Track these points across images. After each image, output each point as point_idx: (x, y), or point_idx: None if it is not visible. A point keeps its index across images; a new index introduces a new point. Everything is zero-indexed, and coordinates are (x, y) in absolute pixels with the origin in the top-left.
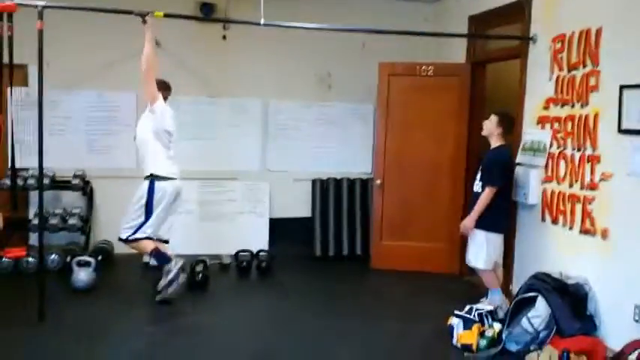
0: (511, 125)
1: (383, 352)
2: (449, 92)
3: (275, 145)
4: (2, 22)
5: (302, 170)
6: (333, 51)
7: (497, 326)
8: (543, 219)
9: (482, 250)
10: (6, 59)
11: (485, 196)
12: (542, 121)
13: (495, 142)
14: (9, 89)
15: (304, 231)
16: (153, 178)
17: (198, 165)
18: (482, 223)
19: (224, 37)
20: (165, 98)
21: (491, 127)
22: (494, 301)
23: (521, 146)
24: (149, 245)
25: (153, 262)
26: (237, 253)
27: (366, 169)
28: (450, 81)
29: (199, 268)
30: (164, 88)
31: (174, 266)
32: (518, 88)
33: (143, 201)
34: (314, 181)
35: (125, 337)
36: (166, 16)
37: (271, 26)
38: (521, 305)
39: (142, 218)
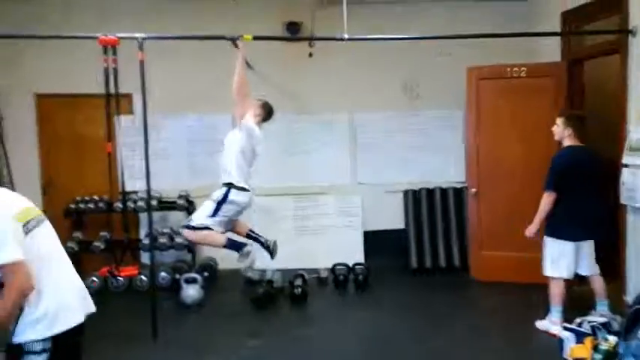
0: (580, 123)
1: None
2: (543, 94)
3: (364, 157)
4: (107, 55)
5: (393, 182)
6: (418, 59)
7: (612, 339)
8: None
9: (545, 257)
10: (112, 89)
11: (542, 201)
12: None
13: (566, 144)
14: (117, 118)
15: (399, 243)
16: (230, 187)
17: (291, 181)
18: (545, 229)
19: (310, 55)
20: (264, 120)
21: (559, 131)
22: (550, 318)
23: (626, 146)
24: (220, 238)
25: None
26: (333, 267)
27: (458, 177)
28: (545, 82)
29: (298, 282)
30: (267, 113)
31: (246, 250)
32: (620, 85)
33: (216, 202)
34: (406, 192)
35: (231, 351)
36: (255, 38)
37: (354, 40)
38: (638, 316)
39: (210, 213)
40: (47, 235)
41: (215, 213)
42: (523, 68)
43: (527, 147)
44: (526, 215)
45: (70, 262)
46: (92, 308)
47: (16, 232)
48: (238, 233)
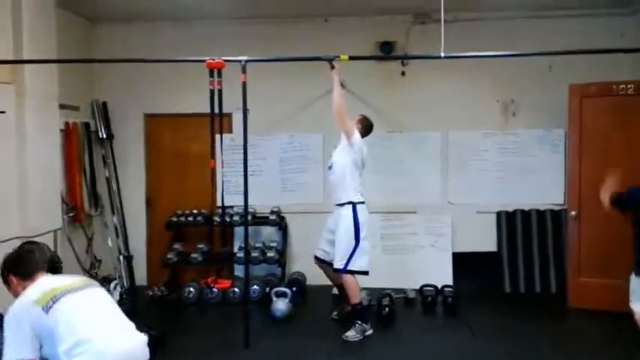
0: None
1: None
2: None
3: (456, 177)
4: (213, 77)
5: (485, 202)
6: (516, 76)
7: None
8: None
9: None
10: (216, 109)
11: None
12: None
13: None
14: (218, 136)
15: (490, 266)
16: (354, 205)
17: (380, 199)
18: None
19: (403, 73)
20: (363, 136)
21: None
22: None
23: None
24: (357, 294)
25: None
26: (421, 288)
27: (557, 199)
28: None
29: (386, 301)
30: (367, 127)
31: (367, 330)
32: None
33: (352, 226)
34: (499, 214)
35: None
36: (351, 58)
37: (452, 58)
38: None
39: (353, 242)
40: (85, 298)
41: (357, 239)
42: (630, 85)
43: (635, 169)
44: (628, 241)
45: (125, 322)
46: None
47: (32, 321)
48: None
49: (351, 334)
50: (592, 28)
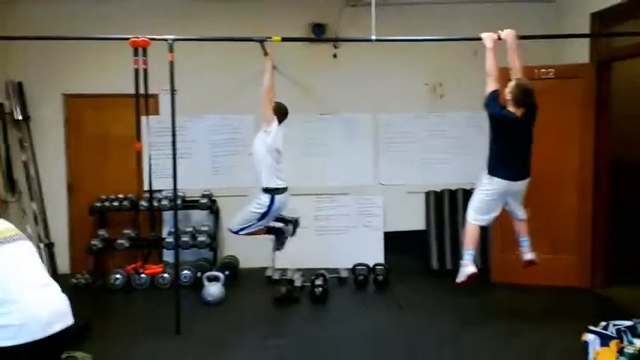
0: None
1: None
2: (571, 95)
3: (387, 158)
4: (137, 56)
5: (415, 183)
6: (444, 60)
7: (638, 343)
8: None
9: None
10: (141, 90)
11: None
12: None
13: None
14: (144, 118)
15: (419, 244)
16: (273, 194)
17: (312, 181)
18: None
19: (335, 56)
20: (280, 121)
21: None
22: None
23: None
24: (260, 231)
25: (276, 275)
26: (354, 267)
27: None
28: (573, 83)
29: (319, 281)
30: (282, 114)
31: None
32: None
33: (262, 211)
34: (428, 194)
35: (252, 349)
36: (284, 40)
37: (383, 41)
38: None
39: (255, 222)
40: (19, 252)
41: (260, 222)
42: (551, 70)
43: (555, 149)
44: (549, 218)
45: (51, 282)
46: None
47: None
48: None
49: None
50: (517, 14)
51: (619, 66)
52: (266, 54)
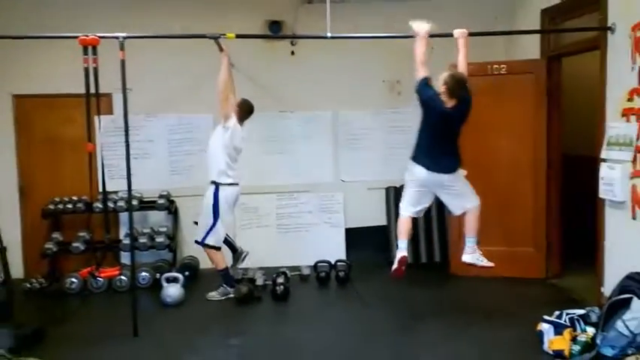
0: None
1: None
2: (524, 90)
3: (347, 155)
4: (87, 55)
5: (375, 179)
6: (401, 57)
7: (590, 330)
8: (634, 217)
9: None
10: (92, 89)
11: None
12: (626, 114)
13: None
14: (97, 117)
15: (381, 239)
16: (217, 185)
17: (273, 179)
18: None
19: (292, 53)
20: (243, 119)
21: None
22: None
23: (605, 141)
24: (221, 263)
25: (236, 275)
26: (316, 264)
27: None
28: (525, 78)
29: (280, 279)
30: (247, 111)
31: (231, 293)
32: (599, 81)
33: (211, 205)
34: (388, 189)
35: (212, 349)
36: (238, 37)
37: (338, 38)
38: (616, 307)
39: (211, 220)
40: None
41: (216, 218)
42: (503, 65)
43: (509, 143)
44: (506, 211)
45: None
46: None
47: None
48: None
49: (212, 294)
50: (470, 11)
51: (571, 61)
52: (221, 50)
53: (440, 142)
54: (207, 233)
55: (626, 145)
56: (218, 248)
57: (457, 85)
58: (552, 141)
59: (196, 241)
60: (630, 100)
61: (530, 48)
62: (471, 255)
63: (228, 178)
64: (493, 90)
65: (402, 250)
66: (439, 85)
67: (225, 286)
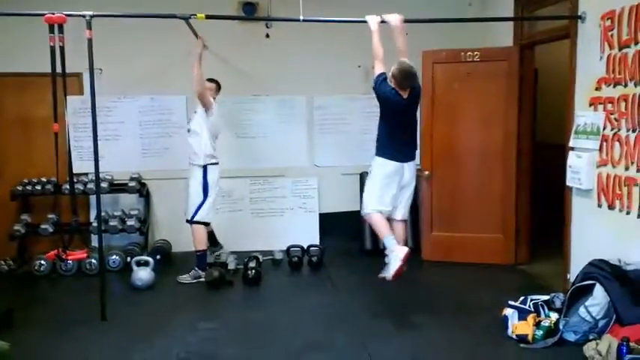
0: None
1: (436, 344)
2: (497, 77)
3: (322, 140)
4: (54, 34)
5: (349, 164)
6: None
7: (553, 316)
8: (599, 204)
9: None
10: (59, 69)
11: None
12: (594, 103)
13: None
14: (68, 98)
15: (354, 225)
16: (205, 167)
17: (247, 163)
18: None
19: (267, 36)
20: (214, 97)
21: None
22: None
23: (573, 129)
24: (203, 243)
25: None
26: (288, 249)
27: (415, 160)
28: (498, 66)
29: (252, 264)
30: (216, 89)
31: (203, 277)
32: (568, 70)
33: (200, 185)
34: (362, 175)
35: (181, 333)
36: (208, 17)
37: (310, 22)
38: (579, 294)
39: (201, 198)
40: None
41: (205, 196)
42: (477, 52)
43: (481, 130)
44: (476, 197)
45: None
46: None
47: None
48: None
49: (184, 277)
50: None
51: (547, 49)
52: (197, 36)
53: (400, 132)
54: (197, 211)
55: (593, 134)
56: (207, 224)
57: (405, 77)
58: (523, 128)
59: (187, 221)
60: (598, 89)
61: (505, 36)
62: (393, 270)
63: (213, 158)
64: (467, 77)
65: (402, 247)
66: (390, 79)
67: (197, 269)
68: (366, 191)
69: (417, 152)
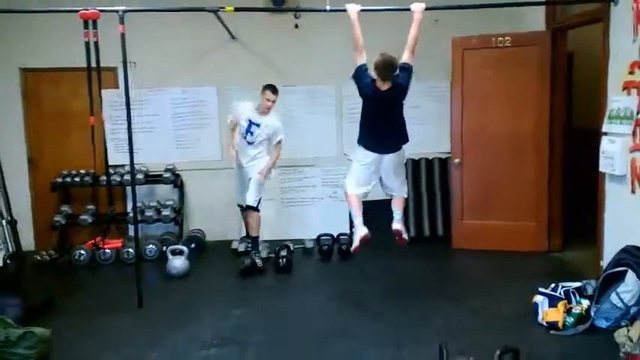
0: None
1: (466, 331)
2: (528, 63)
3: (351, 129)
4: (88, 29)
5: None
6: (404, 30)
7: (585, 303)
8: (633, 190)
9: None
10: (94, 64)
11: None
12: (627, 87)
13: None
14: (99, 91)
15: (383, 213)
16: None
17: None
18: None
19: (296, 26)
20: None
21: None
22: None
23: (606, 114)
24: (258, 227)
25: (241, 247)
26: (318, 238)
27: (444, 148)
28: (530, 51)
29: (283, 252)
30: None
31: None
32: (601, 54)
33: (263, 180)
34: None
35: (214, 320)
36: (237, 10)
37: (336, 12)
38: (611, 280)
39: (263, 188)
40: None
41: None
42: (508, 38)
43: (512, 116)
44: (508, 185)
45: None
46: None
47: None
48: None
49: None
50: None
51: (582, 33)
52: (230, 33)
53: (380, 124)
54: (260, 199)
55: (626, 119)
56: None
57: (387, 67)
58: (556, 114)
59: (250, 207)
60: (631, 73)
61: (537, 21)
62: (400, 223)
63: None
64: (497, 62)
65: (363, 228)
66: (372, 70)
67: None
68: (348, 175)
69: (409, 143)
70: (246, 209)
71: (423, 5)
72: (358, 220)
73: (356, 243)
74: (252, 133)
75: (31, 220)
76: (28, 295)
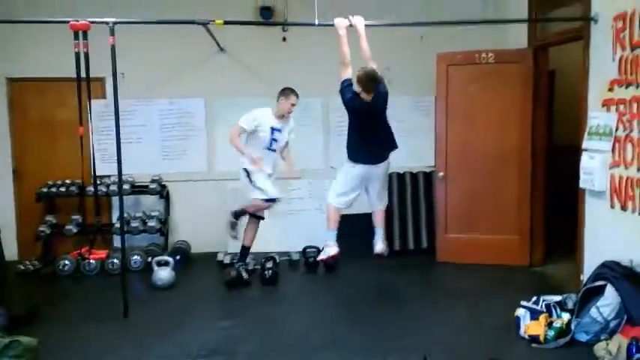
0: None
1: (448, 343)
2: (511, 79)
3: (338, 142)
4: (78, 40)
5: None
6: (390, 45)
7: (565, 316)
8: (612, 206)
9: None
10: (84, 74)
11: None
12: (607, 104)
13: None
14: (88, 102)
15: (368, 226)
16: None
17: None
18: None
19: (284, 39)
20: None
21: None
22: None
23: (586, 131)
24: (253, 238)
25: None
26: (304, 249)
27: (429, 162)
28: (512, 68)
29: (269, 264)
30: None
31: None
32: (582, 71)
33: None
34: None
35: (200, 331)
36: (226, 23)
37: (325, 26)
38: (591, 294)
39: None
40: None
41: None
42: (491, 54)
43: (495, 131)
44: (491, 199)
45: None
46: None
47: None
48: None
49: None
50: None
51: (564, 51)
52: (219, 45)
53: (369, 134)
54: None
55: (605, 135)
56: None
57: (369, 81)
58: (538, 130)
59: (270, 199)
60: (611, 90)
61: (519, 38)
62: (382, 244)
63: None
64: (481, 78)
65: (334, 246)
66: (356, 84)
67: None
68: (333, 185)
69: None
70: (274, 201)
71: (346, 22)
72: (331, 234)
73: (323, 256)
74: (276, 140)
75: (15, 231)
76: (11, 304)
